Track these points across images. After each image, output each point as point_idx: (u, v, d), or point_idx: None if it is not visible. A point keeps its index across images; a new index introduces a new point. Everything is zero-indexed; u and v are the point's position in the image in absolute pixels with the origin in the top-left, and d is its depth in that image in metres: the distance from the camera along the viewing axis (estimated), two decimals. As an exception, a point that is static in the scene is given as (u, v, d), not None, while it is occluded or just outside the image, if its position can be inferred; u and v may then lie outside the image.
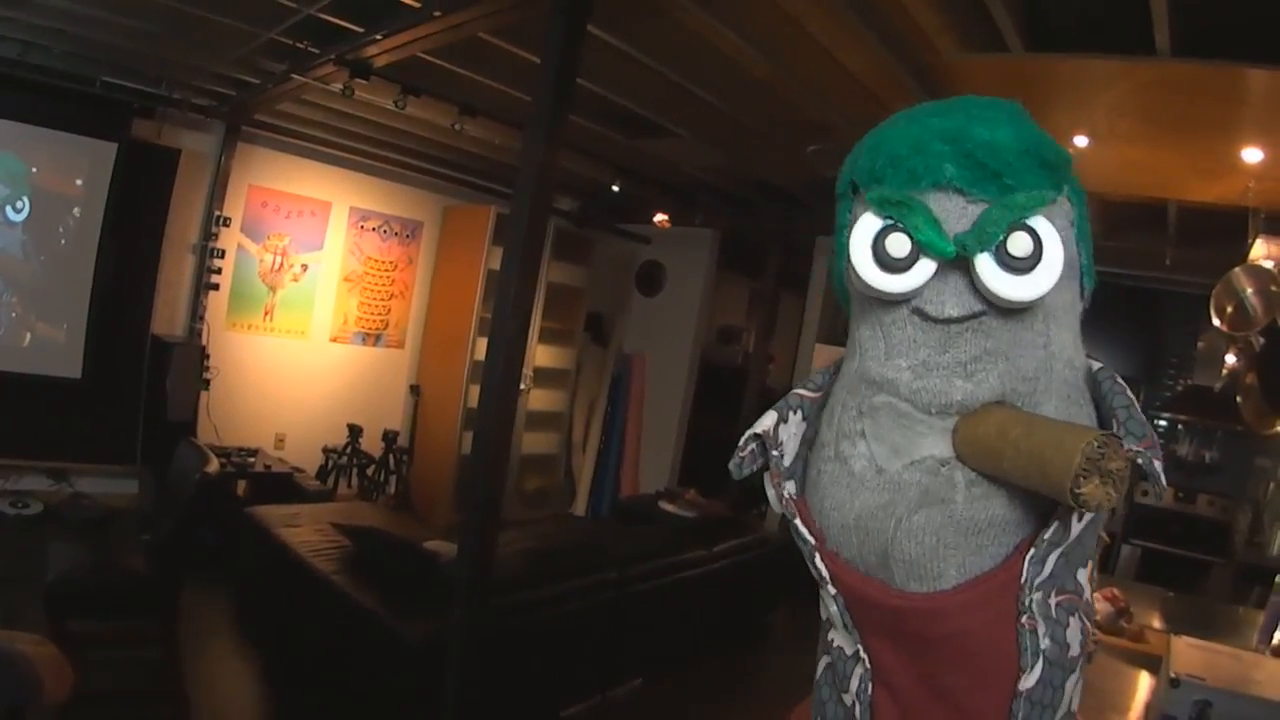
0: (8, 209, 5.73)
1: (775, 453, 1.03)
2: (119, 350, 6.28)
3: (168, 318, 6.74)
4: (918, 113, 0.95)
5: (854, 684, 1.00)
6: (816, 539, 0.98)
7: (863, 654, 0.99)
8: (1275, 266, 4.42)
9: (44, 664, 1.90)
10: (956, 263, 0.87)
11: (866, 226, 0.91)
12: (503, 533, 3.99)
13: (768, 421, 1.05)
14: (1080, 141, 4.48)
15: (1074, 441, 0.77)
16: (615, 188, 7.66)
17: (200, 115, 6.54)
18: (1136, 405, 0.92)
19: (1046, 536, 0.85)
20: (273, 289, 7.34)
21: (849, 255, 0.92)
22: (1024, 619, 0.88)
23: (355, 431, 7.62)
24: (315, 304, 7.65)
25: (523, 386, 7.73)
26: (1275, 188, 4.52)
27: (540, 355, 8.45)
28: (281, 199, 7.29)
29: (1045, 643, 0.89)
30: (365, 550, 4.62)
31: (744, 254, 9.35)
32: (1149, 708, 2.75)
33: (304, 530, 4.99)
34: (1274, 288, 4.28)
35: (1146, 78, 3.65)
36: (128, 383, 6.42)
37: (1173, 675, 2.38)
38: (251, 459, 6.72)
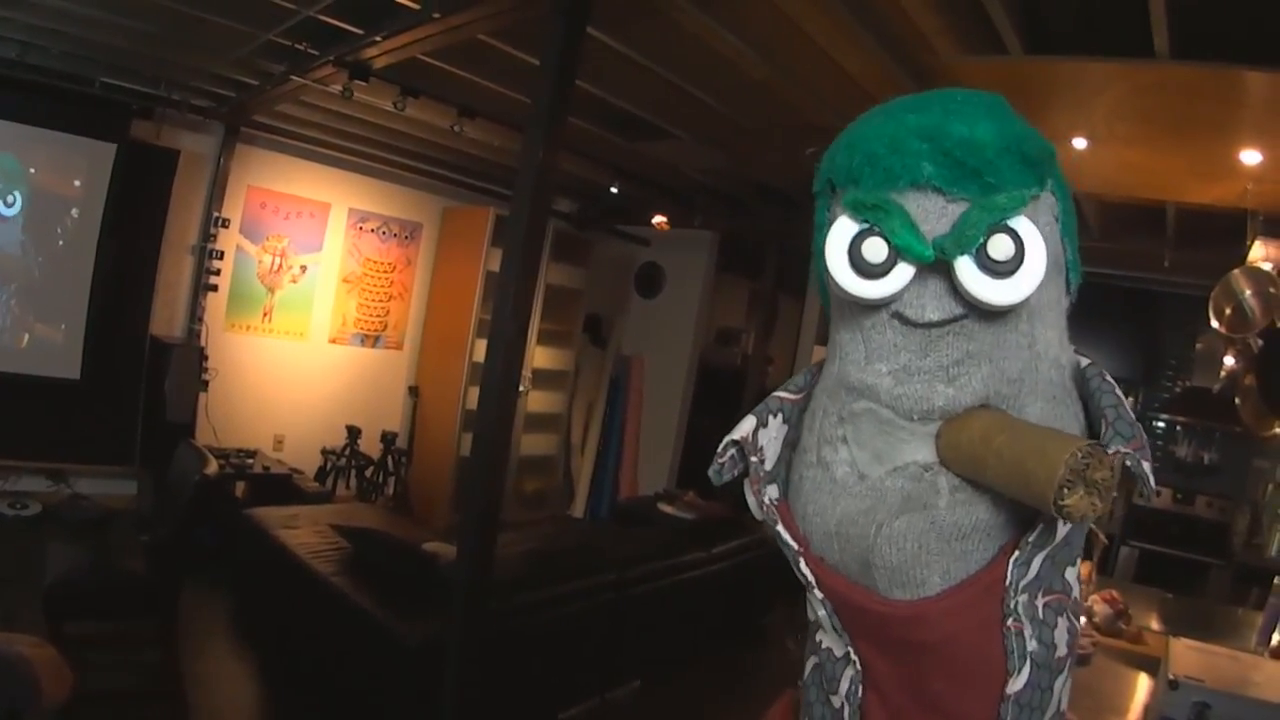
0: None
1: (754, 459, 1.02)
2: (118, 351, 6.28)
3: (166, 319, 6.74)
4: (894, 108, 0.93)
5: (844, 686, 0.99)
6: (800, 544, 0.97)
7: (853, 656, 0.98)
8: (1274, 269, 4.42)
9: (43, 666, 1.91)
10: (937, 264, 0.86)
11: (842, 230, 0.89)
12: (501, 534, 3.98)
13: (746, 427, 1.04)
14: (1079, 143, 4.48)
15: (1057, 452, 0.75)
16: (614, 189, 7.67)
17: (199, 116, 6.54)
18: (1125, 404, 0.90)
19: (1031, 540, 0.84)
20: (271, 290, 7.34)
21: (825, 262, 0.91)
22: (1009, 622, 0.87)
23: (354, 433, 7.61)
24: (314, 305, 7.65)
25: (521, 388, 7.73)
26: (1273, 190, 4.52)
27: (539, 357, 8.45)
28: (280, 200, 7.29)
29: (1032, 645, 0.88)
30: (364, 552, 4.62)
31: (743, 256, 9.35)
32: (1147, 709, 2.74)
33: (303, 532, 4.99)
34: (1272, 290, 4.28)
35: (1145, 80, 3.65)
36: (126, 384, 6.42)
37: (1171, 677, 2.38)
38: (250, 460, 6.72)
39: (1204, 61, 3.35)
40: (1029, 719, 0.88)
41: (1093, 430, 0.90)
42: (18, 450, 5.83)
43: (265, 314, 7.33)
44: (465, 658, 3.61)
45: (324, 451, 7.59)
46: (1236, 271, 4.44)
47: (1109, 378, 0.94)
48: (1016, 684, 0.87)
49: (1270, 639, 3.35)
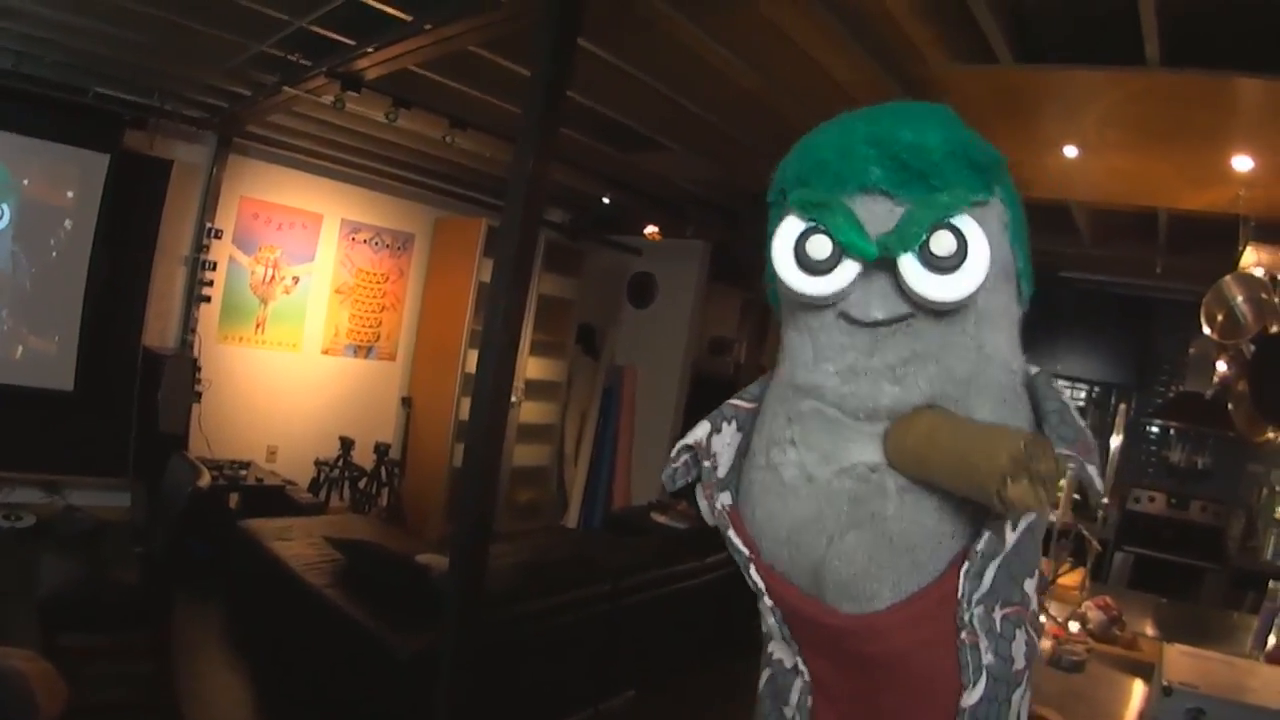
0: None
1: (707, 463, 1.03)
2: (111, 362, 6.26)
3: (159, 330, 6.72)
4: (846, 118, 0.96)
5: (794, 696, 0.99)
6: (751, 550, 0.97)
7: (801, 666, 0.98)
8: (1266, 274, 4.43)
9: (37, 680, 1.90)
10: (883, 265, 0.87)
11: (789, 229, 0.91)
12: (495, 545, 3.98)
13: (700, 432, 1.05)
14: (1070, 151, 4.49)
15: (1000, 443, 0.76)
16: (606, 200, 7.68)
17: (192, 127, 6.54)
18: (1071, 409, 0.91)
19: (979, 548, 0.84)
20: (264, 301, 7.32)
21: (771, 261, 0.92)
22: (963, 635, 0.86)
23: (347, 444, 7.60)
24: (307, 316, 7.64)
25: (514, 399, 7.73)
26: (1265, 195, 4.54)
27: (531, 367, 8.46)
28: (273, 211, 7.28)
29: (988, 658, 0.87)
30: (357, 563, 4.62)
31: (734, 265, 9.35)
32: (1142, 716, 2.75)
33: (296, 543, 4.98)
34: (1264, 295, 4.29)
35: (1136, 87, 3.66)
36: (120, 395, 6.40)
37: (1165, 683, 2.38)
38: (243, 472, 6.71)
39: (1195, 68, 3.36)
40: None
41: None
42: (11, 462, 5.81)
43: (258, 325, 7.31)
44: (459, 669, 3.59)
45: (317, 463, 7.57)
46: (1228, 277, 4.45)
47: (1056, 385, 0.95)
48: (971, 697, 0.87)
49: (1265, 643, 3.36)
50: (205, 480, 4.02)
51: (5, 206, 5.74)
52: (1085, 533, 3.93)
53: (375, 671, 3.89)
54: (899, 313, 0.88)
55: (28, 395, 5.91)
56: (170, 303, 6.79)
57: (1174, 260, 6.04)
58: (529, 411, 8.62)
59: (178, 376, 6.27)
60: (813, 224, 0.89)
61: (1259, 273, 4.46)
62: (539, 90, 3.55)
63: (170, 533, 3.99)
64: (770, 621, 0.99)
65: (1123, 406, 6.09)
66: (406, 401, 8.33)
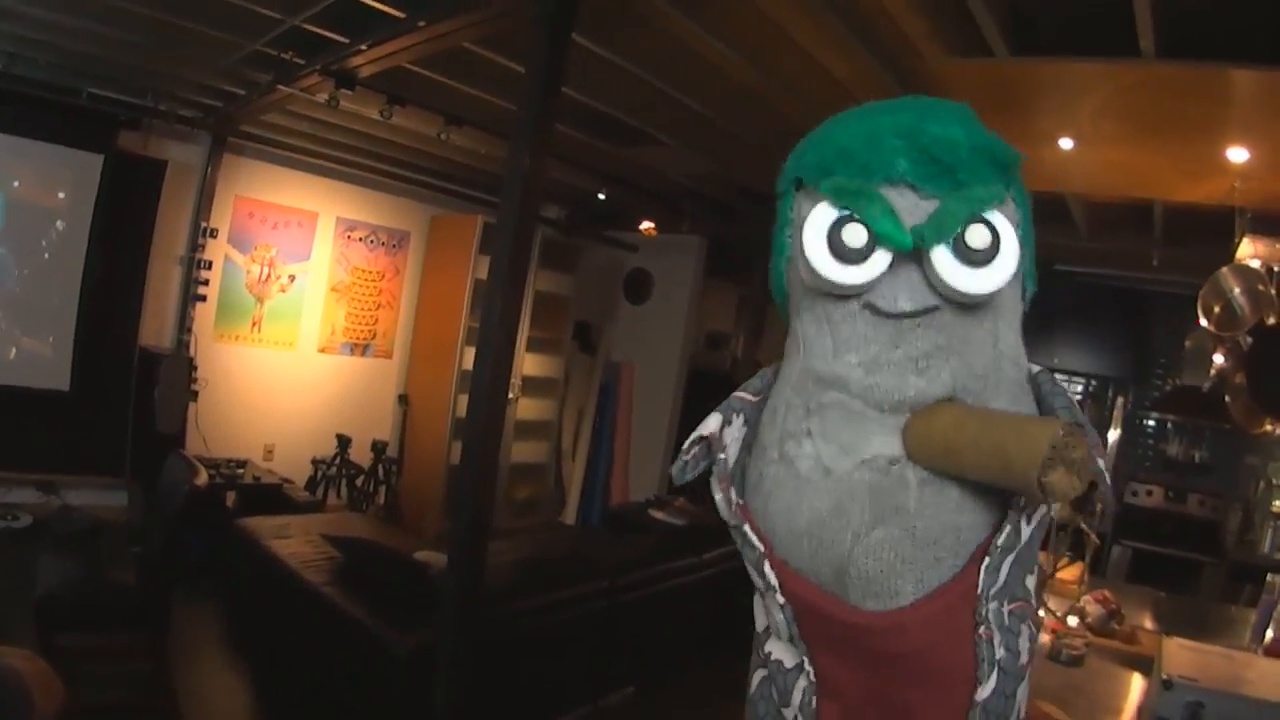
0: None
1: (722, 455, 1.02)
2: (107, 362, 6.25)
3: (155, 329, 6.71)
4: (867, 110, 0.96)
5: (796, 698, 0.97)
6: (765, 546, 0.96)
7: (806, 666, 0.97)
8: (1262, 266, 4.43)
9: (34, 679, 1.90)
10: (909, 257, 0.87)
11: (822, 216, 0.90)
12: (493, 542, 3.98)
13: (713, 424, 1.04)
14: (1066, 144, 4.49)
15: (1038, 431, 0.76)
16: (601, 196, 7.67)
17: (186, 126, 6.52)
18: (1077, 406, 0.92)
19: (1000, 542, 0.84)
20: (260, 300, 7.31)
21: (802, 248, 0.91)
22: (981, 630, 0.87)
23: (344, 442, 7.60)
24: (303, 315, 7.63)
25: (511, 395, 7.72)
26: (1261, 187, 4.54)
27: (528, 364, 8.46)
28: (268, 210, 7.27)
29: (1000, 652, 0.88)
30: (355, 561, 4.61)
31: (731, 261, 9.34)
32: (1141, 709, 2.74)
33: (293, 542, 4.97)
34: (1261, 287, 4.30)
35: (1131, 79, 3.66)
36: (116, 395, 6.39)
37: (1165, 677, 2.38)
38: (240, 470, 6.69)
39: (1190, 60, 3.35)
40: None
41: None
42: (8, 462, 5.80)
43: (254, 324, 7.31)
44: (457, 666, 3.60)
45: (314, 461, 7.57)
46: (1225, 269, 4.44)
47: (1060, 383, 0.95)
48: (984, 691, 0.87)
49: (1264, 637, 3.36)
50: (202, 479, 4.01)
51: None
52: (1084, 527, 3.93)
53: (373, 669, 3.88)
54: (925, 305, 0.88)
55: (24, 395, 5.90)
56: (166, 302, 6.78)
57: (1170, 253, 6.04)
58: (526, 408, 8.62)
59: (174, 376, 6.27)
60: (847, 213, 0.89)
61: (1255, 264, 4.45)
62: (534, 86, 3.55)
63: (167, 532, 3.98)
64: (777, 619, 0.97)
65: (1120, 400, 6.10)
66: (403, 399, 8.33)
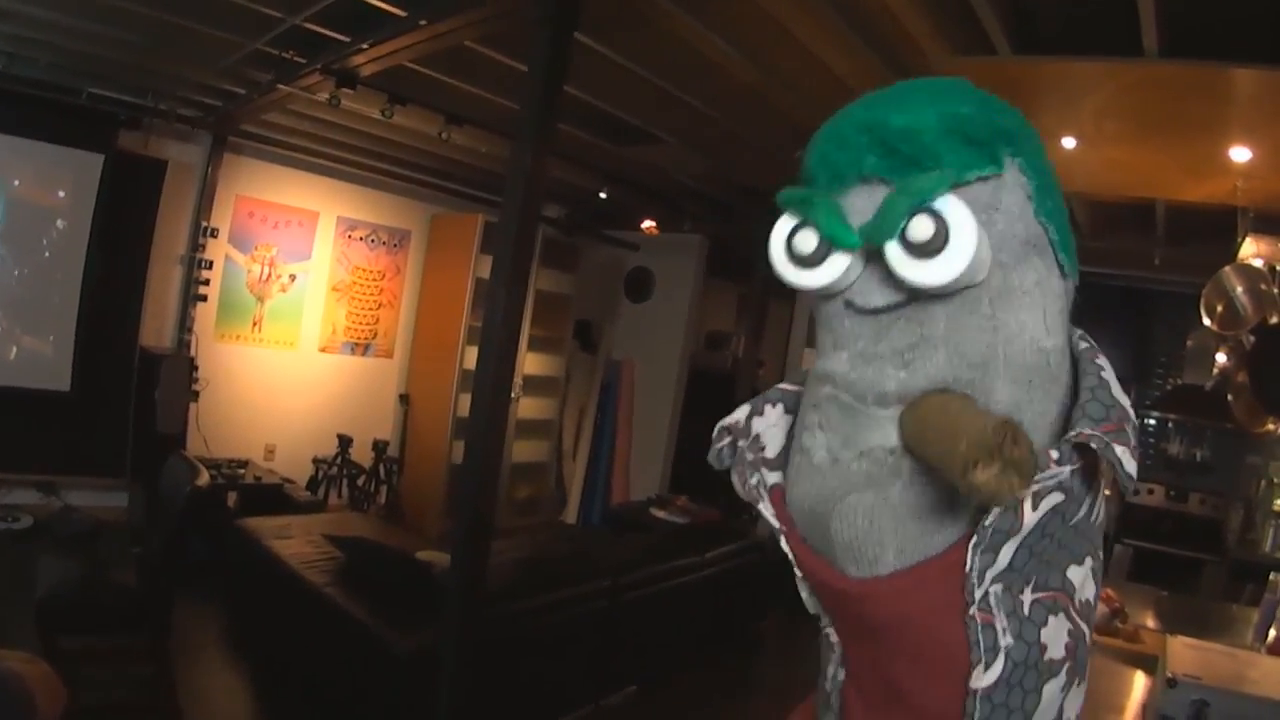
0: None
1: (743, 443, 1.04)
2: (107, 363, 6.24)
3: (156, 330, 6.71)
4: (850, 106, 0.96)
5: (830, 669, 1.01)
6: (784, 524, 0.97)
7: (833, 639, 0.99)
8: (1265, 265, 4.43)
9: (36, 681, 1.89)
10: (879, 253, 0.87)
11: (782, 226, 0.93)
12: (494, 542, 3.98)
13: (739, 414, 1.07)
14: (1068, 143, 4.48)
15: (968, 427, 0.75)
16: (603, 195, 7.67)
17: (187, 126, 6.53)
18: (1108, 385, 0.90)
19: (988, 522, 0.82)
20: (261, 299, 7.31)
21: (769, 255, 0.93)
22: (973, 610, 0.85)
23: (345, 442, 7.60)
24: (304, 314, 7.63)
25: (512, 394, 7.72)
26: (1263, 186, 4.53)
27: (529, 363, 8.45)
28: (269, 209, 7.27)
29: (1007, 640, 0.85)
30: (357, 561, 4.61)
31: (732, 260, 9.35)
32: (1145, 708, 2.75)
33: (295, 542, 4.97)
34: (1264, 286, 4.29)
35: (1134, 78, 3.66)
36: (116, 395, 6.38)
37: (1169, 675, 2.38)
38: (241, 470, 6.70)
39: (1193, 59, 3.35)
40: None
41: None
42: (8, 463, 5.80)
43: (255, 323, 7.30)
44: (459, 666, 3.60)
45: (315, 461, 7.57)
46: (1227, 268, 4.44)
47: (1099, 359, 0.94)
48: (984, 679, 0.85)
49: (1266, 635, 3.36)
50: (203, 479, 4.01)
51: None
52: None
53: (375, 669, 3.88)
54: (895, 299, 0.88)
55: (24, 396, 5.90)
56: (166, 302, 6.78)
57: (1172, 252, 6.04)
58: (527, 407, 8.61)
59: (175, 376, 6.27)
60: (801, 220, 0.91)
61: (1258, 263, 4.45)
62: (536, 85, 3.55)
63: (168, 533, 3.97)
64: (804, 594, 1.01)
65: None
66: (404, 399, 8.33)
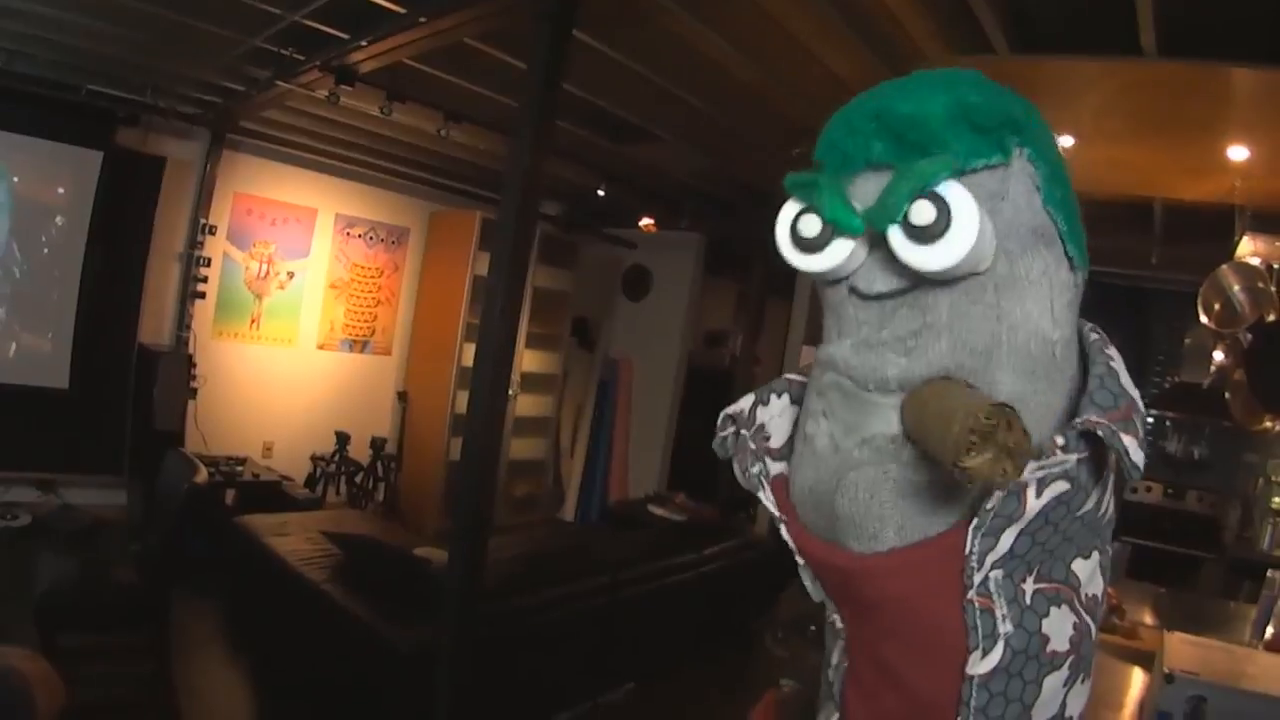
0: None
1: (745, 432, 1.05)
2: (106, 360, 6.25)
3: (154, 327, 6.71)
4: (860, 95, 0.96)
5: (835, 657, 1.01)
6: (785, 512, 0.98)
7: (839, 625, 0.99)
8: (1262, 263, 4.43)
9: (35, 679, 1.89)
10: (884, 239, 0.87)
11: (787, 211, 0.93)
12: (492, 539, 3.98)
13: (743, 404, 1.06)
14: (1066, 141, 4.48)
15: (960, 411, 0.75)
16: (601, 192, 7.66)
17: (185, 123, 6.52)
18: (1117, 375, 0.89)
19: (989, 506, 0.82)
20: (259, 297, 7.32)
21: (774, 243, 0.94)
22: (971, 594, 0.85)
23: (343, 439, 7.61)
24: (302, 311, 7.63)
25: (510, 392, 7.72)
26: (1261, 185, 4.53)
27: (527, 360, 8.45)
28: (267, 206, 7.27)
29: (1006, 627, 0.85)
30: (355, 558, 4.61)
31: (730, 258, 9.35)
32: (1143, 704, 2.75)
33: (293, 539, 4.97)
34: (1261, 285, 4.30)
35: (1132, 77, 3.66)
36: (115, 392, 6.39)
37: (1167, 671, 2.38)
38: (240, 468, 6.69)
39: (1191, 58, 3.35)
40: (1006, 710, 0.86)
41: None
42: (6, 461, 5.80)
43: (253, 321, 7.31)
44: (457, 663, 3.60)
45: (313, 458, 7.57)
46: (1225, 267, 4.45)
47: (1109, 350, 0.93)
48: (981, 665, 0.84)
49: (1264, 632, 3.36)
50: (201, 477, 4.01)
51: (-2, 203, 5.73)
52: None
53: (374, 665, 3.88)
54: (899, 285, 0.88)
55: (22, 393, 5.90)
56: (165, 299, 6.78)
57: (1170, 251, 6.04)
58: (525, 404, 8.60)
59: (173, 373, 6.27)
60: (805, 205, 0.91)
61: (1255, 262, 4.45)
62: (534, 82, 3.55)
63: (167, 530, 3.98)
64: (806, 583, 1.00)
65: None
66: (402, 396, 8.33)
